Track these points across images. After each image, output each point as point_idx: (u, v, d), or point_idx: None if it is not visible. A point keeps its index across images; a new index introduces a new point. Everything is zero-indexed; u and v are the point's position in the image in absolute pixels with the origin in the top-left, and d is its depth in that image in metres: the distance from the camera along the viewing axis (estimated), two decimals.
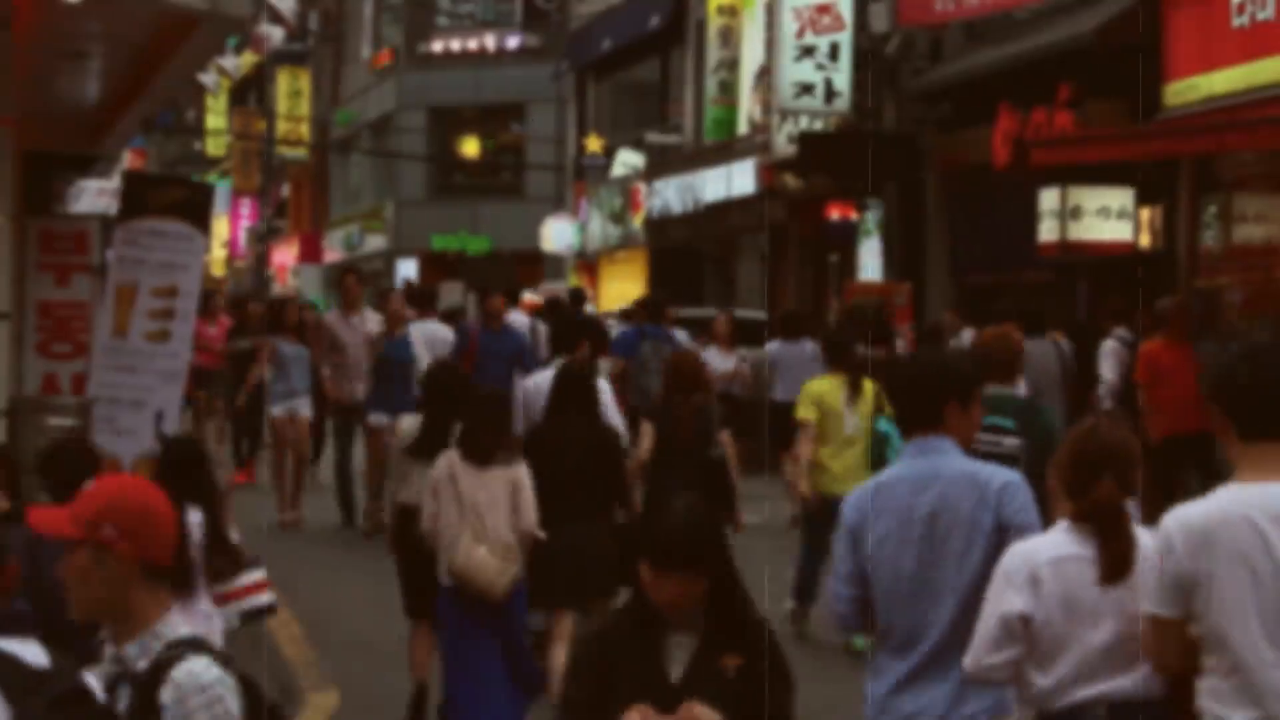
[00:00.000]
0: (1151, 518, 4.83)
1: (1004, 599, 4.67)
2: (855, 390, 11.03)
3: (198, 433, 17.20)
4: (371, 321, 15.71)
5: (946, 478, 5.08)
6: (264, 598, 7.77)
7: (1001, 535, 4.96)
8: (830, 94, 21.86)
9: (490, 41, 42.77)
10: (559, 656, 8.58)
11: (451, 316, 18.23)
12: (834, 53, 21.81)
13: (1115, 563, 4.63)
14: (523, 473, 8.46)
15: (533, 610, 8.93)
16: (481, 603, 8.14)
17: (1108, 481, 4.70)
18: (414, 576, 9.01)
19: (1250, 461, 4.32)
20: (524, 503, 8.37)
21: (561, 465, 8.86)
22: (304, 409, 16.03)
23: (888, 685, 5.10)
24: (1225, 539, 4.25)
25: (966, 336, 17.44)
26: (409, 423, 9.50)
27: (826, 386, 11.10)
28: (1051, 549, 4.71)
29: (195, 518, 7.20)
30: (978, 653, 4.71)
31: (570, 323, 13.51)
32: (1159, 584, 4.34)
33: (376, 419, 14.74)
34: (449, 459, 8.41)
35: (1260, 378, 4.32)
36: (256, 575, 7.68)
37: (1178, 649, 4.34)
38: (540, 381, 10.52)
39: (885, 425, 10.52)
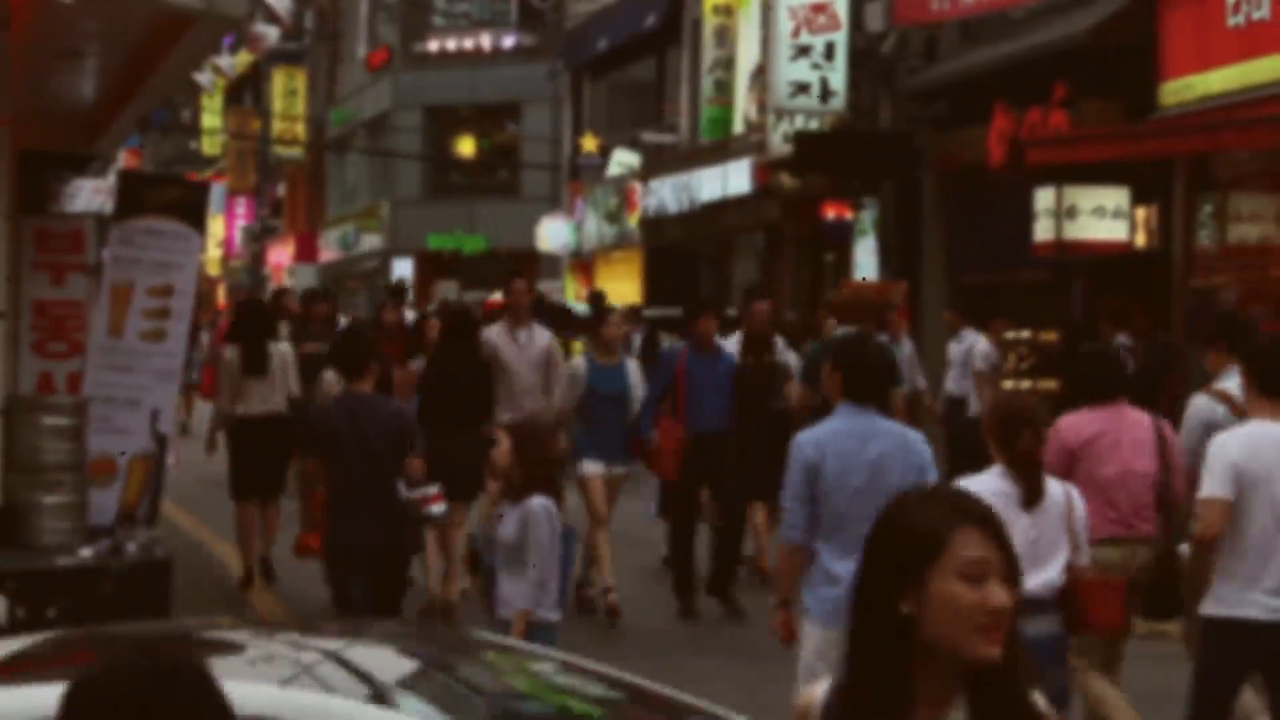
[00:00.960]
0: None
1: None
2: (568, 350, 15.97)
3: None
4: (541, 338, 12.53)
5: (883, 433, 6.94)
6: (438, 507, 9.81)
7: (919, 473, 6.85)
8: (826, 93, 21.87)
9: (486, 41, 42.78)
10: (455, 540, 11.49)
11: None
12: (829, 52, 21.81)
13: (1032, 494, 6.66)
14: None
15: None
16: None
17: (1028, 436, 6.66)
18: (243, 470, 12.86)
19: (1265, 409, 6.81)
20: None
21: (453, 387, 11.69)
22: None
23: (840, 586, 6.61)
24: (1261, 452, 6.64)
25: (968, 337, 17.46)
26: (231, 351, 12.96)
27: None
28: (986, 485, 6.50)
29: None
30: None
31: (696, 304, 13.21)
32: (1222, 477, 6.58)
33: (591, 467, 11.92)
34: (333, 376, 11.22)
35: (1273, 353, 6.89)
36: (433, 489, 9.61)
37: (1225, 521, 6.56)
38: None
39: None
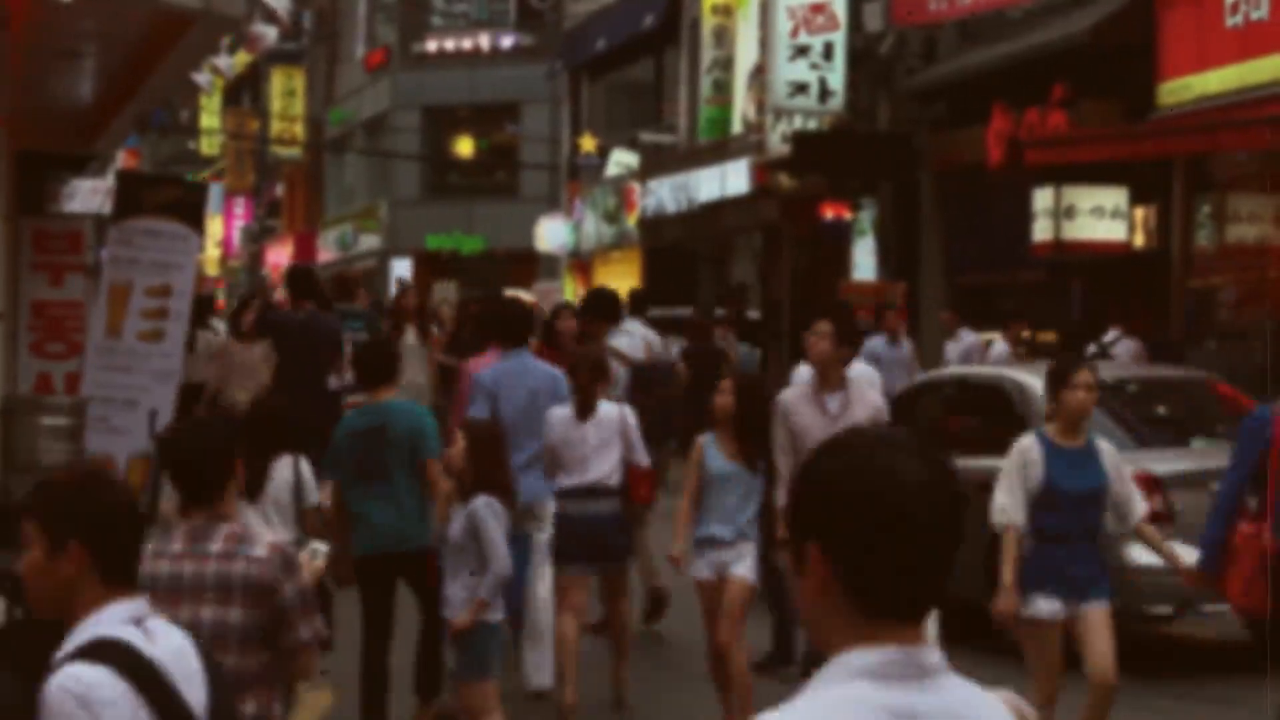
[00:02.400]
0: None
1: (551, 437, 9.39)
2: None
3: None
4: (865, 402, 8.59)
5: (533, 371, 9.92)
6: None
7: (560, 400, 9.59)
8: (824, 93, 21.87)
9: (484, 41, 42.77)
10: None
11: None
12: (828, 52, 21.82)
13: (584, 411, 9.35)
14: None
15: None
16: None
17: (584, 373, 9.39)
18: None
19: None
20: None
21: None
22: (743, 565, 8.78)
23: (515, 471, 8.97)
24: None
25: (967, 338, 17.47)
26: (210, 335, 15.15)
27: None
28: (561, 412, 9.41)
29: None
30: (553, 463, 9.41)
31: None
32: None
33: (1046, 607, 7.70)
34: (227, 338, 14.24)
35: None
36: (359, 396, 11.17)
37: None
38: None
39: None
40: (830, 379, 8.46)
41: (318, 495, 8.45)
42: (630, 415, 9.48)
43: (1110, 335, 15.46)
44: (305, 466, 8.42)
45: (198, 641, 3.65)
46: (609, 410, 9.40)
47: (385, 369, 8.98)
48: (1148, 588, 9.84)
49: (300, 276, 14.11)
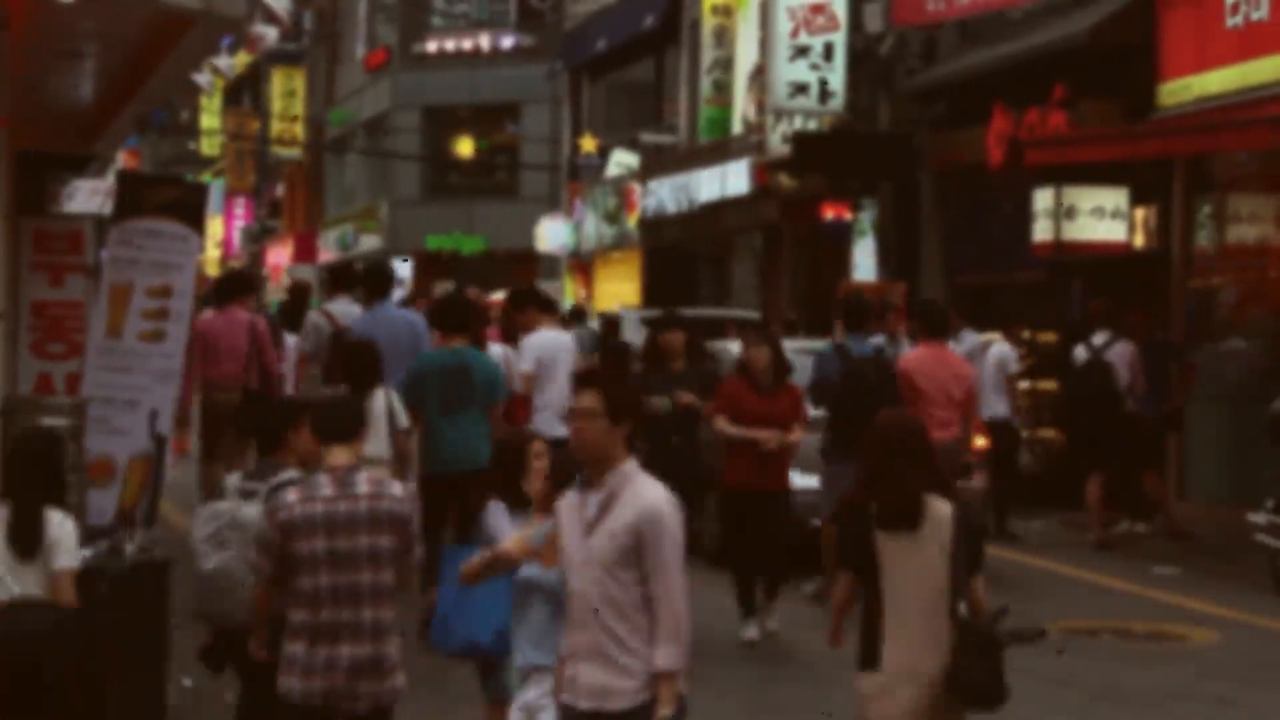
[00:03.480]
0: None
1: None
2: None
3: None
4: (637, 506, 6.08)
5: (395, 320, 11.64)
6: None
7: (419, 345, 11.50)
8: (825, 94, 21.87)
9: (485, 41, 42.78)
10: None
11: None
12: (828, 53, 21.82)
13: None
14: None
15: None
16: None
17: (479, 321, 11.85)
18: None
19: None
20: None
21: None
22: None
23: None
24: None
25: (969, 338, 17.46)
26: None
27: None
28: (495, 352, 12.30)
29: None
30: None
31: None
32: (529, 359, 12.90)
33: None
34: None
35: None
36: None
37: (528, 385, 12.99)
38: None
39: None
40: (595, 472, 5.62)
41: (405, 420, 10.28)
42: (511, 352, 12.53)
43: (1100, 338, 15.39)
44: (395, 396, 10.27)
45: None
46: (495, 350, 12.16)
47: (461, 320, 10.97)
48: (804, 506, 12.43)
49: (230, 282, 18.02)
